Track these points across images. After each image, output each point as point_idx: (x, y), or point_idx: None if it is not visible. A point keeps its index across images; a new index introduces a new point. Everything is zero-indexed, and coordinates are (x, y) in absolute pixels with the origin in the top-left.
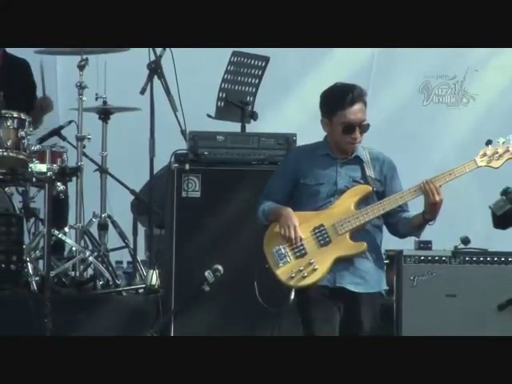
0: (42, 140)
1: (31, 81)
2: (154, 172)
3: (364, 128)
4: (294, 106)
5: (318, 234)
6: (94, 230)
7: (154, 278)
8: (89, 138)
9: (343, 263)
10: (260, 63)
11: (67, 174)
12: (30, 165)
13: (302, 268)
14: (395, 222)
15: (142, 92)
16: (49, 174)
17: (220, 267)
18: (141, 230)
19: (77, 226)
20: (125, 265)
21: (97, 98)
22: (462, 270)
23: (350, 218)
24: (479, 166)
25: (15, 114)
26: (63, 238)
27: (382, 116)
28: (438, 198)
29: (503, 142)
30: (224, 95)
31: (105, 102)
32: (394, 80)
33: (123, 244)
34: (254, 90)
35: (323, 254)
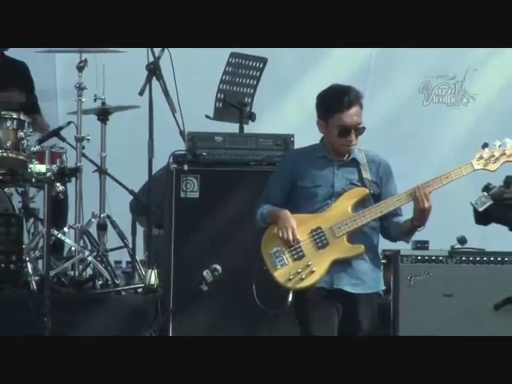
0: (41, 141)
1: (29, 82)
2: (153, 172)
3: (360, 131)
4: (292, 106)
5: (316, 237)
6: (93, 230)
7: (152, 277)
8: (88, 139)
9: (340, 265)
10: (258, 64)
11: (66, 174)
12: (30, 165)
13: (299, 270)
14: (387, 225)
15: (141, 93)
16: (48, 174)
17: (218, 267)
18: (139, 230)
19: (76, 226)
20: (124, 264)
21: (96, 99)
22: (459, 270)
23: (348, 221)
24: (476, 169)
25: (15, 115)
26: (62, 237)
27: (382, 116)
28: (426, 205)
29: (499, 145)
30: (222, 96)
31: (104, 103)
32: (394, 80)
33: (122, 244)
34: (251, 91)
35: (321, 256)
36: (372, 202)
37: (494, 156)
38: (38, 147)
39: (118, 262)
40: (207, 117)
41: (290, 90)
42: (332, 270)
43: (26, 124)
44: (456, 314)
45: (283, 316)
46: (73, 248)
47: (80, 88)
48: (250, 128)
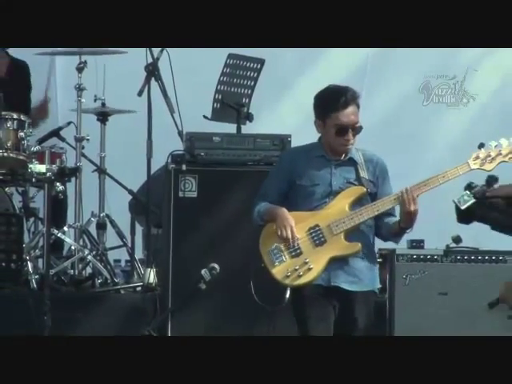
0: (41, 141)
1: (28, 83)
2: (152, 172)
3: (357, 130)
4: (289, 107)
5: (314, 234)
6: (92, 229)
7: (151, 276)
8: (87, 139)
9: (338, 262)
10: (255, 65)
11: (66, 174)
12: (30, 165)
13: (297, 267)
14: (380, 225)
15: (140, 94)
16: (48, 174)
17: (216, 266)
18: (138, 229)
19: (76, 226)
20: (123, 263)
21: (95, 100)
22: (454, 269)
23: (345, 219)
24: (472, 169)
25: (15, 116)
26: (62, 237)
27: (382, 116)
28: (412, 208)
29: (495, 146)
30: (220, 97)
31: (103, 104)
32: (393, 80)
33: (121, 243)
34: (249, 91)
35: (318, 253)
36: (369, 201)
37: (490, 156)
38: (38, 147)
39: (117, 261)
40: (205, 117)
41: (287, 91)
42: (329, 268)
43: (27, 124)
44: (451, 313)
45: (281, 313)
46: (72, 247)
47: (80, 89)
48: (248, 128)
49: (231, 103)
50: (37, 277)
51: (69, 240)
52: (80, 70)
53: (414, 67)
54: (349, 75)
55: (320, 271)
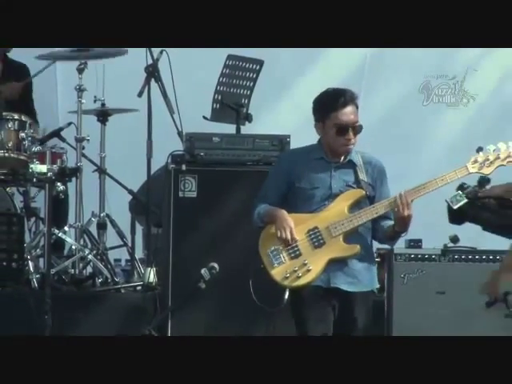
0: (42, 141)
1: (29, 86)
2: (152, 172)
3: (357, 129)
4: (288, 107)
5: (313, 236)
6: (93, 228)
7: (151, 275)
8: (88, 140)
9: (337, 264)
10: (254, 66)
11: (67, 174)
12: (31, 165)
13: (296, 268)
14: (376, 228)
15: (140, 94)
16: (49, 174)
17: (216, 265)
18: (139, 228)
19: (76, 225)
20: (123, 263)
21: (95, 101)
22: (452, 268)
23: (344, 221)
24: (471, 173)
25: (16, 116)
26: (63, 236)
27: (382, 116)
28: (406, 214)
29: (494, 150)
30: (219, 98)
31: (103, 105)
32: (393, 80)
33: (121, 242)
34: (248, 92)
35: (317, 255)
36: (367, 204)
37: (488, 160)
38: (38, 148)
39: (117, 261)
40: (205, 118)
41: (286, 92)
42: (328, 269)
43: (28, 125)
44: (448, 311)
45: (280, 314)
46: (73, 247)
47: (80, 90)
48: (247, 129)
49: (230, 104)
50: (38, 276)
51: (69, 240)
52: (80, 71)
53: (414, 67)
54: (347, 76)
55: (319, 273)
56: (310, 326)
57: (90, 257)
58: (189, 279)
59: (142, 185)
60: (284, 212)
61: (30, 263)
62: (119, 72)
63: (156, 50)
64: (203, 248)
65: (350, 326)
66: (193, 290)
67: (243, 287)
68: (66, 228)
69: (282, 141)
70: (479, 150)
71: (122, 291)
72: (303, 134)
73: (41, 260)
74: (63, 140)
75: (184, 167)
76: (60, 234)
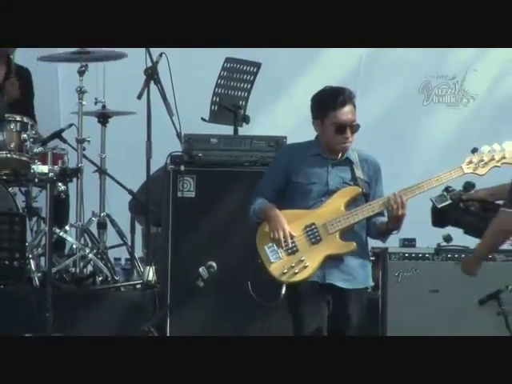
0: (43, 142)
1: (30, 90)
2: (151, 173)
3: (355, 128)
4: (284, 109)
5: (310, 233)
6: (93, 228)
7: (150, 274)
8: (88, 141)
9: (333, 260)
10: (252, 69)
11: (68, 174)
12: (33, 166)
13: (293, 264)
14: (369, 223)
15: (139, 97)
16: (50, 174)
17: (214, 264)
18: (138, 228)
19: (77, 225)
20: (123, 261)
21: (96, 103)
22: (445, 267)
23: (341, 218)
24: (465, 173)
25: (18, 118)
26: (64, 236)
27: (382, 116)
28: (400, 213)
29: (488, 151)
30: (217, 99)
31: (104, 107)
32: (393, 80)
33: (121, 242)
34: (246, 94)
35: (314, 251)
36: (363, 201)
37: (483, 160)
38: (40, 148)
39: (117, 259)
40: (203, 119)
41: (283, 93)
42: (324, 265)
43: (29, 126)
44: (442, 309)
45: (276, 310)
46: (74, 246)
47: (81, 92)
48: (244, 130)
49: (228, 105)
50: (39, 275)
51: (70, 239)
52: (81, 73)
53: (414, 67)
54: (344, 76)
55: (315, 269)
56: (305, 321)
57: (90, 256)
58: (187, 277)
59: (142, 185)
60: (277, 212)
61: (32, 262)
62: (119, 74)
63: (155, 53)
64: (201, 247)
65: (343, 323)
66: (191, 288)
67: (241, 285)
68: (66, 227)
69: (278, 142)
70: (474, 150)
71: (122, 289)
72: (300, 134)
73: (42, 259)
74: (64, 141)
75: (183, 168)
76: (61, 234)
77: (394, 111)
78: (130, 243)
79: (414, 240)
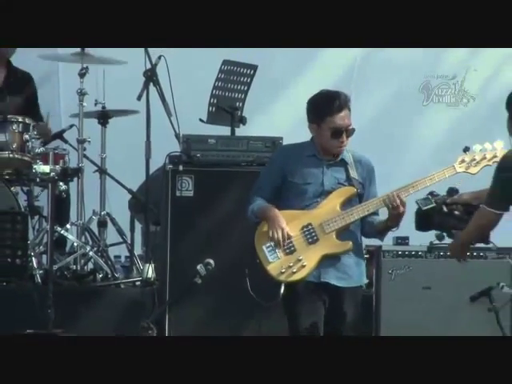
0: (45, 143)
1: (33, 92)
2: (150, 173)
3: (350, 132)
4: (281, 110)
5: (307, 233)
6: (93, 226)
7: (149, 271)
8: (89, 141)
9: (328, 259)
10: (249, 71)
11: (69, 174)
12: (34, 166)
13: (291, 264)
14: (363, 223)
15: (139, 98)
16: (52, 174)
17: (211, 261)
18: (138, 226)
19: (78, 223)
20: (123, 259)
21: (96, 104)
22: (437, 264)
23: (336, 218)
24: (458, 172)
25: (20, 119)
26: (65, 234)
27: (382, 116)
28: (401, 210)
29: (480, 150)
30: (215, 101)
31: (104, 108)
32: (394, 80)
33: (121, 240)
34: (243, 96)
35: (311, 251)
36: (357, 201)
37: (475, 160)
38: (42, 149)
39: (117, 257)
40: (201, 120)
41: (279, 95)
42: (320, 265)
43: (31, 127)
44: (434, 306)
45: (273, 308)
46: (75, 244)
47: (81, 93)
48: (241, 131)
49: (226, 107)
50: (41, 272)
51: (71, 237)
52: (82, 75)
53: (414, 67)
54: (340, 78)
55: (313, 268)
56: (301, 321)
57: (90, 253)
58: (185, 275)
59: (141, 184)
60: (276, 212)
61: (34, 259)
62: (119, 76)
63: (154, 56)
64: (199, 245)
65: (339, 320)
66: (189, 285)
67: (238, 282)
68: (67, 226)
69: (274, 142)
70: (466, 150)
71: (122, 286)
72: (296, 135)
73: (44, 256)
74: (65, 141)
75: (181, 168)
76: (62, 232)
77: (394, 111)
78: (129, 241)
79: (407, 238)
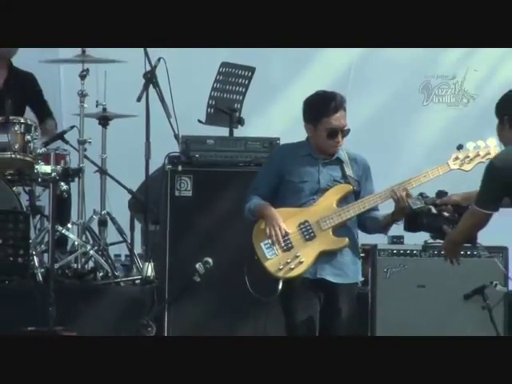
0: (46, 143)
1: (38, 90)
2: (150, 173)
3: (345, 133)
4: (278, 112)
5: (304, 229)
6: (94, 225)
7: (149, 269)
8: (89, 142)
9: (325, 256)
10: (246, 73)
11: (70, 174)
12: (36, 166)
13: (289, 260)
14: (363, 218)
15: (139, 99)
16: (53, 174)
17: (210, 260)
18: (137, 225)
19: (79, 223)
20: (123, 258)
21: (97, 105)
22: (431, 263)
23: (333, 215)
24: (452, 169)
25: (22, 120)
26: (66, 233)
27: (382, 116)
28: (407, 204)
29: (474, 147)
30: (213, 102)
31: (104, 109)
32: (394, 80)
33: (121, 239)
34: (241, 97)
35: (308, 247)
36: (353, 198)
37: (468, 157)
38: (43, 149)
39: (117, 256)
40: (200, 121)
41: (276, 97)
42: (317, 262)
43: (33, 128)
44: (429, 303)
45: (272, 305)
46: (76, 242)
47: (82, 95)
48: (239, 132)
49: (224, 108)
50: (42, 270)
51: (72, 236)
52: (83, 77)
53: (414, 67)
54: (337, 79)
55: (310, 264)
56: (297, 316)
57: (91, 252)
58: (184, 273)
59: (141, 184)
60: (273, 210)
61: (35, 258)
62: (119, 78)
63: (154, 58)
64: (198, 244)
65: (334, 316)
66: (188, 283)
67: (236, 280)
68: (69, 225)
69: (272, 143)
70: (459, 147)
71: (122, 284)
72: (292, 136)
73: (45, 255)
74: (66, 142)
75: (180, 168)
76: (63, 231)
77: (394, 111)
78: (129, 240)
79: (402, 237)
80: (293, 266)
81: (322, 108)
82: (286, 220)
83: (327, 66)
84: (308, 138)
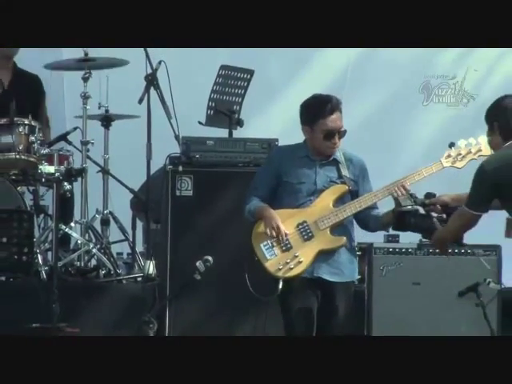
0: (50, 144)
1: (41, 95)
2: (151, 173)
3: (342, 134)
4: (276, 113)
5: (302, 230)
6: (97, 224)
7: (151, 267)
8: (92, 143)
9: (323, 255)
10: (246, 76)
11: (73, 174)
12: (40, 166)
13: (288, 260)
14: (365, 217)
15: (140, 101)
16: (56, 174)
17: (210, 258)
18: (139, 224)
19: (82, 221)
20: (125, 256)
21: (99, 107)
22: (426, 261)
23: (330, 215)
24: (445, 167)
25: (26, 121)
26: (69, 232)
27: (381, 116)
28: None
29: (465, 145)
30: (213, 104)
31: (107, 111)
32: (394, 80)
33: (123, 237)
34: (240, 99)
35: (307, 247)
36: (349, 198)
37: (460, 154)
38: (47, 150)
39: (119, 254)
40: (200, 123)
41: (274, 99)
42: (314, 261)
43: (37, 129)
44: (424, 300)
45: (271, 304)
46: (79, 241)
47: (85, 97)
48: (239, 133)
49: (223, 110)
50: (46, 268)
51: (75, 235)
52: (85, 79)
53: (414, 67)
54: (334, 80)
55: (309, 263)
56: (295, 315)
57: (94, 250)
58: (185, 271)
59: (142, 184)
60: (271, 211)
61: (39, 256)
62: (121, 80)
63: (155, 61)
64: (198, 242)
65: (332, 314)
66: (189, 280)
67: (236, 279)
68: (72, 224)
69: (270, 144)
70: (451, 145)
71: (124, 282)
72: (290, 137)
73: (49, 253)
74: (70, 143)
75: (181, 168)
76: (67, 230)
77: (394, 111)
78: (131, 239)
79: (397, 236)
80: (292, 266)
81: (318, 110)
82: (285, 221)
83: (326, 67)
84: (305, 140)
